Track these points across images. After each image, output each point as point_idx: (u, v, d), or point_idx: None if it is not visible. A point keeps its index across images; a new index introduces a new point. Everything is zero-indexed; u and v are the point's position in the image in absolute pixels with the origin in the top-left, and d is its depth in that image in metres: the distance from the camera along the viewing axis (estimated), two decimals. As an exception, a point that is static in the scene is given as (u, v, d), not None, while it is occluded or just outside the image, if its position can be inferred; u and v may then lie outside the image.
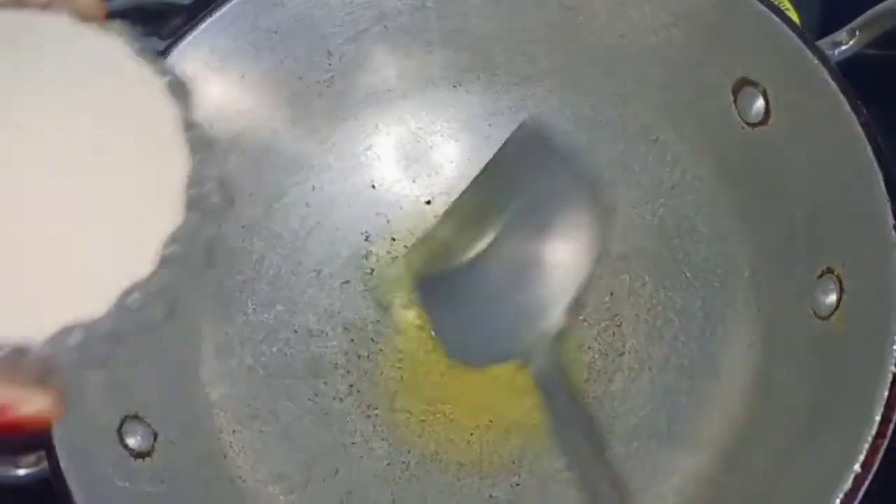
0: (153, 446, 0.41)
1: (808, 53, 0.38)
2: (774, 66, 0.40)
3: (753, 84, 0.41)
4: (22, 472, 0.38)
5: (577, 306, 0.38)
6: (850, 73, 0.38)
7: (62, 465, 0.36)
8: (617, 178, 0.48)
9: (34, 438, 0.38)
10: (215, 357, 0.46)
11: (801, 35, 0.39)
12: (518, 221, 0.38)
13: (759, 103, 0.41)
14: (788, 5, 0.47)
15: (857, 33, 0.40)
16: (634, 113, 0.47)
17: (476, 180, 0.41)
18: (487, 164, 0.40)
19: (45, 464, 0.37)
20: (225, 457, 0.44)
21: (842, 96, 0.37)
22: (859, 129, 0.36)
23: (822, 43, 0.40)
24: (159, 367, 0.44)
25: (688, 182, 0.46)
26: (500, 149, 0.40)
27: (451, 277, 0.39)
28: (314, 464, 0.45)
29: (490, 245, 0.38)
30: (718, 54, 0.42)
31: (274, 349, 0.47)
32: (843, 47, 0.40)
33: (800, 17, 0.47)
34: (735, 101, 0.42)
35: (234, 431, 0.45)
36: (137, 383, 0.42)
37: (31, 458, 0.38)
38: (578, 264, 0.37)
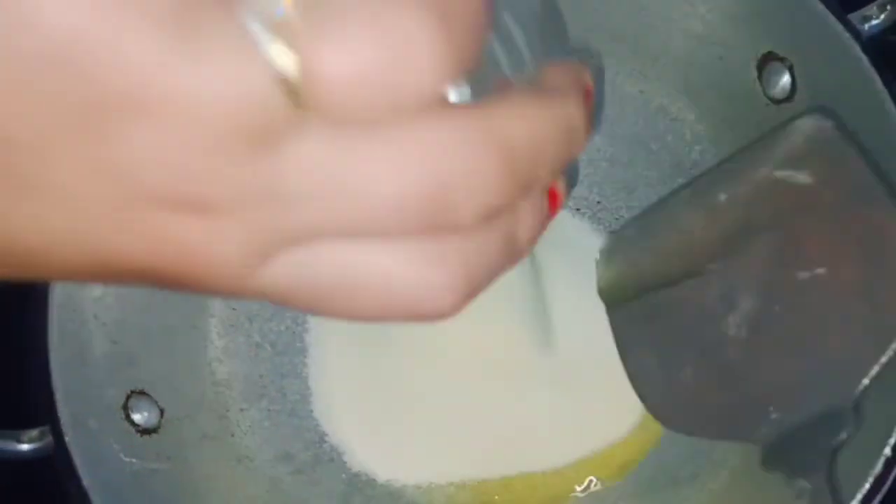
0: (160, 423, 0.41)
1: (840, 27, 0.37)
2: (802, 41, 0.39)
3: (780, 59, 0.40)
4: (25, 447, 0.37)
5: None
6: (880, 49, 0.37)
7: (67, 439, 0.36)
8: (636, 156, 0.47)
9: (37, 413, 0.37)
10: (223, 334, 0.45)
11: (831, 8, 0.37)
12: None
13: (786, 79, 0.40)
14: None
15: (889, 8, 0.39)
16: (655, 89, 0.46)
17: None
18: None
19: (48, 438, 0.37)
20: (232, 435, 0.44)
21: (874, 71, 0.36)
22: (891, 105, 0.35)
23: (853, 17, 0.38)
24: (166, 343, 0.43)
25: (708, 162, 0.45)
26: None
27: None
28: (323, 443, 0.44)
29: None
30: (743, 28, 0.41)
31: (282, 326, 0.46)
32: (874, 22, 0.38)
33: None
34: (760, 77, 0.41)
35: (241, 409, 0.44)
36: (144, 359, 0.42)
37: (35, 432, 0.37)
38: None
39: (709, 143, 0.45)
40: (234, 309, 0.46)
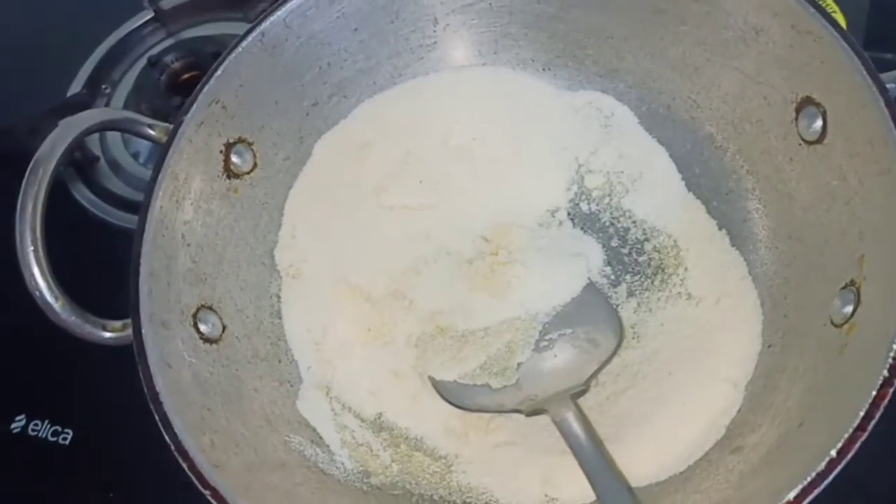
0: (221, 336, 0.47)
1: (869, 81, 0.41)
2: (837, 90, 0.42)
3: (816, 104, 0.44)
4: (108, 334, 0.44)
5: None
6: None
7: (143, 329, 0.42)
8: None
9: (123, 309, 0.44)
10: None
11: (866, 64, 0.41)
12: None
13: (818, 123, 0.44)
14: (835, 8, 0.49)
15: (921, 71, 0.42)
16: (705, 118, 0.51)
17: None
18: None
19: (128, 331, 0.43)
20: (279, 361, 0.49)
21: (892, 125, 0.39)
22: (903, 157, 0.39)
23: (887, 76, 0.42)
24: (238, 272, 0.50)
25: (742, 191, 0.49)
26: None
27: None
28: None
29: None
30: (789, 72, 0.45)
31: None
32: (906, 83, 0.42)
33: (846, 21, 0.49)
34: (797, 119, 0.45)
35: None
36: (219, 281, 0.48)
37: (118, 324, 0.44)
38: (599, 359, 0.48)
39: (746, 174, 0.49)
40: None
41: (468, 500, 0.45)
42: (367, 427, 0.48)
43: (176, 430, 0.40)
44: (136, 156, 0.67)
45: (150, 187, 0.46)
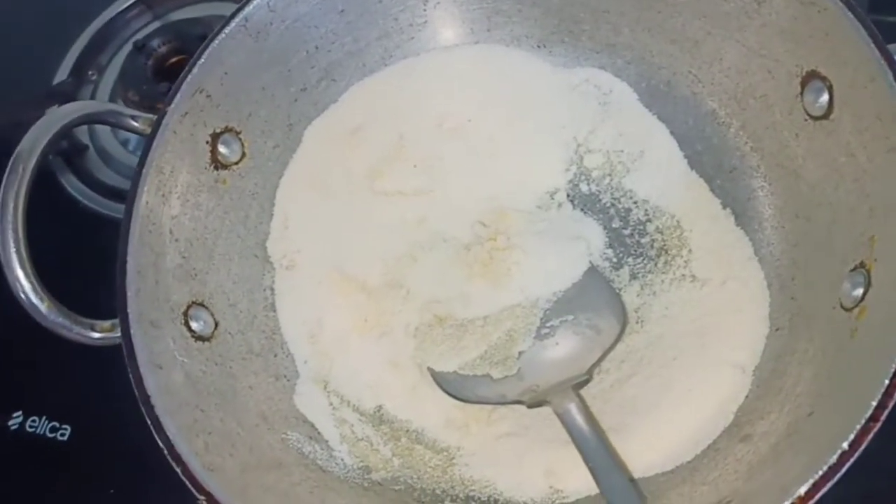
0: (213, 333, 0.46)
1: (877, 54, 0.39)
2: (843, 63, 0.41)
3: (822, 78, 0.42)
4: (96, 335, 0.43)
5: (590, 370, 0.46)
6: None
7: (132, 329, 0.41)
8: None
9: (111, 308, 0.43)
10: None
11: (873, 35, 0.39)
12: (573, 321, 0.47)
13: (824, 97, 0.42)
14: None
15: (932, 42, 0.41)
16: (707, 93, 0.49)
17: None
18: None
19: (118, 332, 0.42)
20: (275, 355, 0.48)
21: (902, 100, 0.38)
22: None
23: (893, 48, 0.40)
24: (229, 265, 0.48)
25: (746, 168, 0.48)
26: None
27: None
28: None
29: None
30: (793, 45, 0.43)
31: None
32: (916, 54, 0.40)
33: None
34: (802, 93, 0.43)
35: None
36: (208, 276, 0.47)
37: (107, 324, 0.43)
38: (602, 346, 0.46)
39: (750, 151, 0.48)
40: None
41: (471, 494, 0.44)
42: (366, 421, 0.47)
43: (168, 433, 0.39)
44: (125, 144, 0.66)
45: (134, 182, 0.44)
